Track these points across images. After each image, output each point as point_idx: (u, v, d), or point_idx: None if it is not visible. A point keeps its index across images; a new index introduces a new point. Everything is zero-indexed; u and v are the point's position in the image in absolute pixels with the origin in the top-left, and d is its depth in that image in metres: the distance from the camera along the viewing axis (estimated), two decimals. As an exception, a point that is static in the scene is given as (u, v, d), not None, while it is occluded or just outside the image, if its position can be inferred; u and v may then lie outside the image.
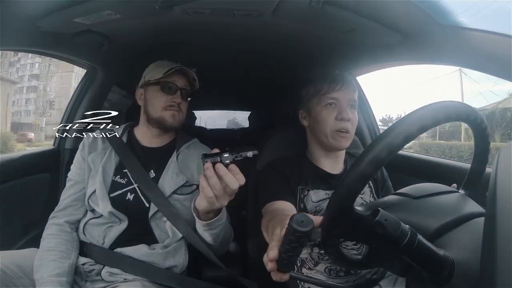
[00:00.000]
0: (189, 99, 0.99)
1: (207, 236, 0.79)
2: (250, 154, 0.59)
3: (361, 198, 0.88)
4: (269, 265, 0.45)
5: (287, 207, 0.78)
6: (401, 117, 0.46)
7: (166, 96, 0.92)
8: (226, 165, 0.59)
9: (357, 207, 0.46)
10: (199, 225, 0.74)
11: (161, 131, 0.95)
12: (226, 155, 0.59)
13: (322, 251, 0.84)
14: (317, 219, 0.48)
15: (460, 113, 0.46)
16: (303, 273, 0.85)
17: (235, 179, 0.59)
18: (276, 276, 0.46)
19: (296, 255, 0.43)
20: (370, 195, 0.89)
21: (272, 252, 0.44)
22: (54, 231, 0.85)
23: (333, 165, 0.90)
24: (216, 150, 0.61)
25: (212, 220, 0.71)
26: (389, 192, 0.93)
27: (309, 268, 0.85)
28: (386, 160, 0.42)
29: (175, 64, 0.93)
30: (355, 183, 0.43)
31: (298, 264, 0.86)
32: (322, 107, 0.86)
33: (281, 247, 0.44)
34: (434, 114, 0.44)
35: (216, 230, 0.75)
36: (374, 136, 1.45)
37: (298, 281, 0.82)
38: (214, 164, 0.59)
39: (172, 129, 0.95)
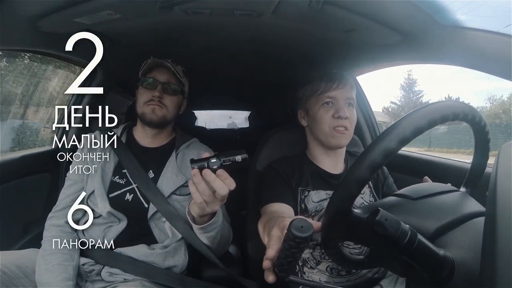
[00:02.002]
0: (184, 97, 0.99)
1: (204, 238, 0.79)
2: (239, 158, 0.58)
3: (361, 198, 0.88)
4: (265, 262, 0.44)
5: (285, 209, 0.78)
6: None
7: (147, 91, 0.93)
8: (214, 170, 0.58)
9: (355, 210, 0.46)
10: (195, 228, 0.74)
11: (152, 129, 0.95)
12: (213, 160, 0.58)
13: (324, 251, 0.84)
14: (317, 224, 0.48)
15: (457, 113, 0.46)
16: (305, 272, 0.85)
17: (223, 184, 0.58)
18: (270, 278, 0.45)
19: (296, 260, 0.43)
20: (370, 195, 0.89)
21: (271, 250, 0.44)
22: (55, 233, 0.85)
23: (333, 164, 0.90)
24: (206, 155, 0.60)
25: (207, 224, 0.71)
26: (390, 188, 0.93)
27: (311, 267, 0.85)
28: (383, 164, 0.43)
29: (158, 60, 0.94)
30: (352, 187, 0.43)
31: (300, 264, 0.86)
32: (320, 107, 0.86)
33: (280, 252, 0.43)
34: (430, 115, 0.44)
35: (212, 233, 0.75)
36: (374, 135, 1.45)
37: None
38: (201, 169, 0.58)
39: (154, 124, 0.93)
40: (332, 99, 0.85)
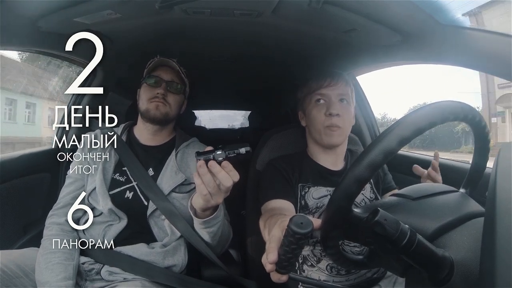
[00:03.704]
0: (185, 97, 1.00)
1: (204, 234, 0.79)
2: (242, 150, 0.60)
3: (362, 194, 0.88)
4: (268, 267, 0.45)
5: (286, 206, 0.78)
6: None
7: (152, 89, 0.94)
8: (219, 162, 0.59)
9: (355, 209, 0.46)
10: (197, 223, 0.75)
11: (154, 126, 0.95)
12: (218, 152, 0.60)
13: None
14: (317, 222, 0.48)
15: (457, 113, 0.46)
16: (304, 270, 0.85)
17: (228, 176, 0.60)
18: (275, 277, 0.46)
19: (295, 256, 0.43)
20: (370, 191, 0.90)
21: (272, 255, 0.44)
22: (55, 232, 0.85)
23: (333, 162, 0.90)
24: (209, 148, 0.62)
25: (209, 218, 0.72)
26: (389, 184, 0.94)
27: (311, 265, 0.85)
28: (383, 164, 0.43)
29: (163, 59, 0.95)
30: (352, 186, 0.44)
31: (300, 261, 0.86)
32: (313, 105, 0.87)
33: (280, 249, 0.43)
34: (430, 116, 0.44)
35: (213, 228, 0.75)
36: (374, 136, 1.45)
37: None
38: (207, 161, 0.59)
39: (157, 121, 0.94)
40: (323, 97, 0.86)
